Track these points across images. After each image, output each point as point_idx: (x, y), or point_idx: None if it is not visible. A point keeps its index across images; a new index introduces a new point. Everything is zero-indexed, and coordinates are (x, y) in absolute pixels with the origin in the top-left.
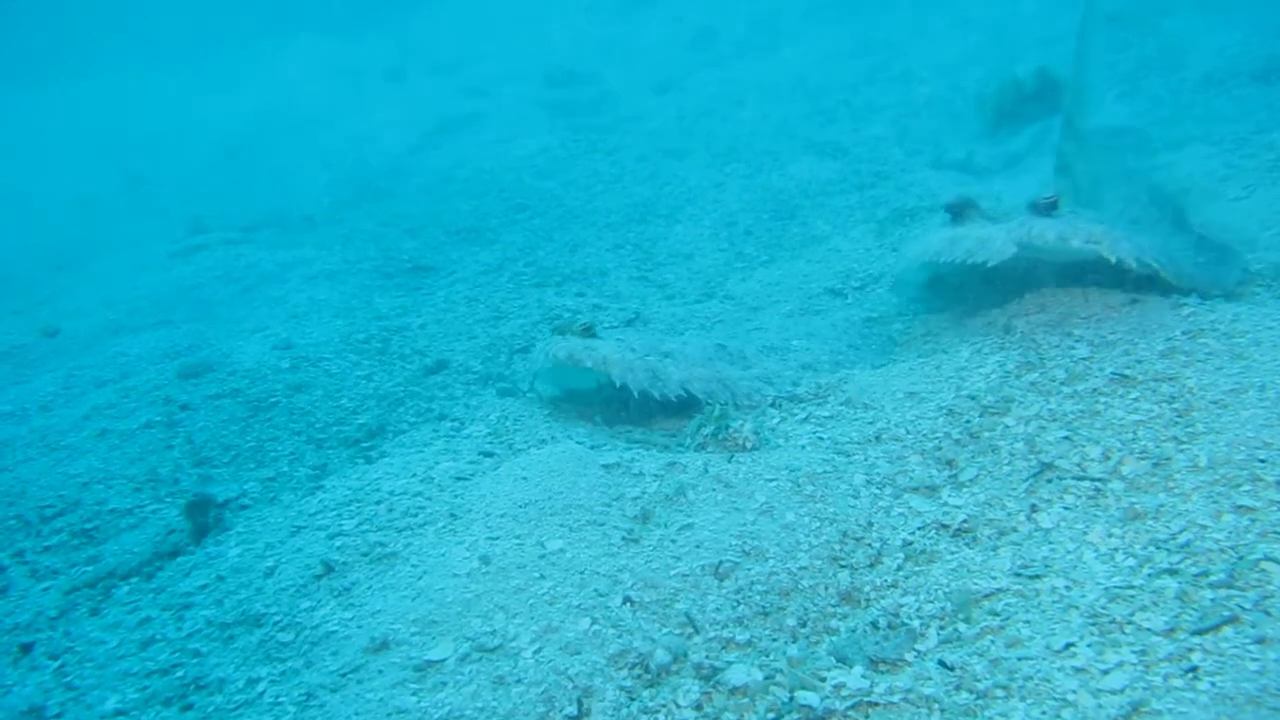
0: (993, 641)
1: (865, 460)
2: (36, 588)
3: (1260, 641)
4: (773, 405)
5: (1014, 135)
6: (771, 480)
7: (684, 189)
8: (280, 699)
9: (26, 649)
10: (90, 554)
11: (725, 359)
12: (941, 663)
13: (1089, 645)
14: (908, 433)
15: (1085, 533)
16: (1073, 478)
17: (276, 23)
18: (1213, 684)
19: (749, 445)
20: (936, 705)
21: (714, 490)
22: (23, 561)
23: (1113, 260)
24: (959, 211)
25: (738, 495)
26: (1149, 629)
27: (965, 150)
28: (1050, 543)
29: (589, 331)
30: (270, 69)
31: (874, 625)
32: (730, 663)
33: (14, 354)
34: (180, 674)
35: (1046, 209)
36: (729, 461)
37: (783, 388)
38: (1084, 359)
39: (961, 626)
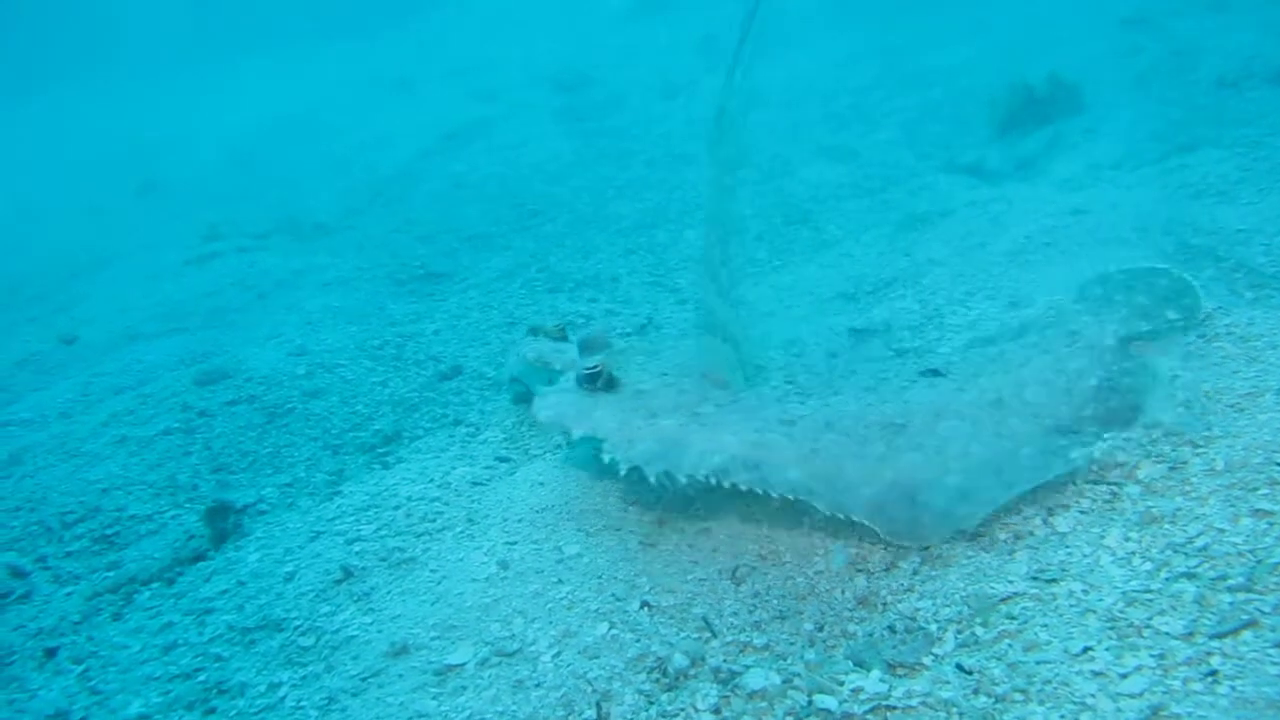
0: (1010, 645)
1: None
2: (59, 593)
3: None
4: None
5: (1025, 138)
6: None
7: (695, 194)
8: (302, 703)
9: (51, 653)
10: (111, 559)
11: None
12: (959, 666)
13: (1107, 649)
14: None
15: (1102, 537)
16: (1088, 481)
17: (286, 29)
18: (1232, 688)
19: None
20: (955, 709)
21: (729, 495)
22: (45, 567)
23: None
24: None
25: (754, 499)
26: (1167, 633)
27: (977, 154)
28: (1067, 546)
29: (561, 333)
30: (280, 75)
31: (891, 629)
32: (748, 667)
33: (33, 361)
34: (203, 678)
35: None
36: None
37: None
38: None
39: (979, 630)
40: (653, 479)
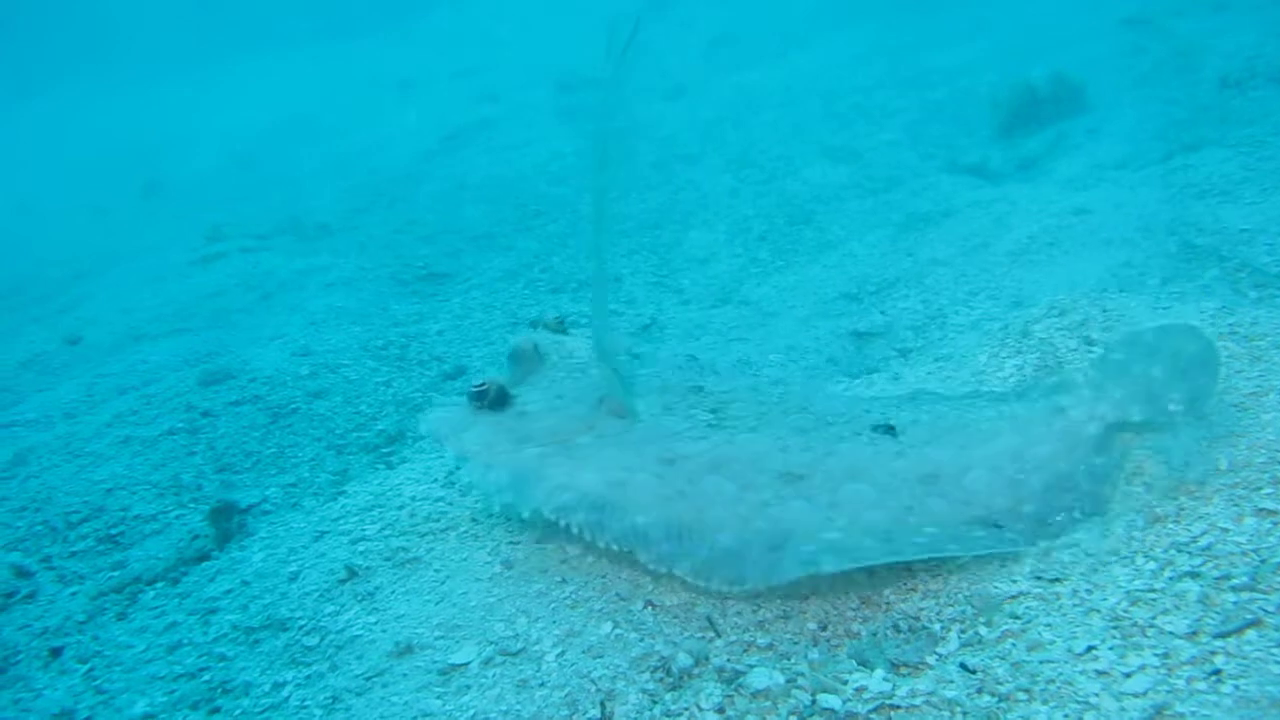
0: (1014, 645)
1: None
2: (64, 592)
3: None
4: None
5: (1028, 139)
6: None
7: (698, 194)
8: (306, 702)
9: (56, 653)
10: (116, 559)
11: (694, 369)
12: (963, 666)
13: (1111, 648)
14: None
15: (1106, 535)
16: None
17: (288, 30)
18: (1236, 687)
19: None
20: (959, 708)
21: None
22: (50, 567)
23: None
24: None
25: None
26: (1171, 632)
27: (980, 154)
28: (1070, 546)
29: (561, 326)
30: (282, 76)
31: (895, 628)
32: (752, 666)
33: (37, 361)
34: (207, 677)
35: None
36: None
37: None
38: None
39: (982, 630)
40: (498, 509)
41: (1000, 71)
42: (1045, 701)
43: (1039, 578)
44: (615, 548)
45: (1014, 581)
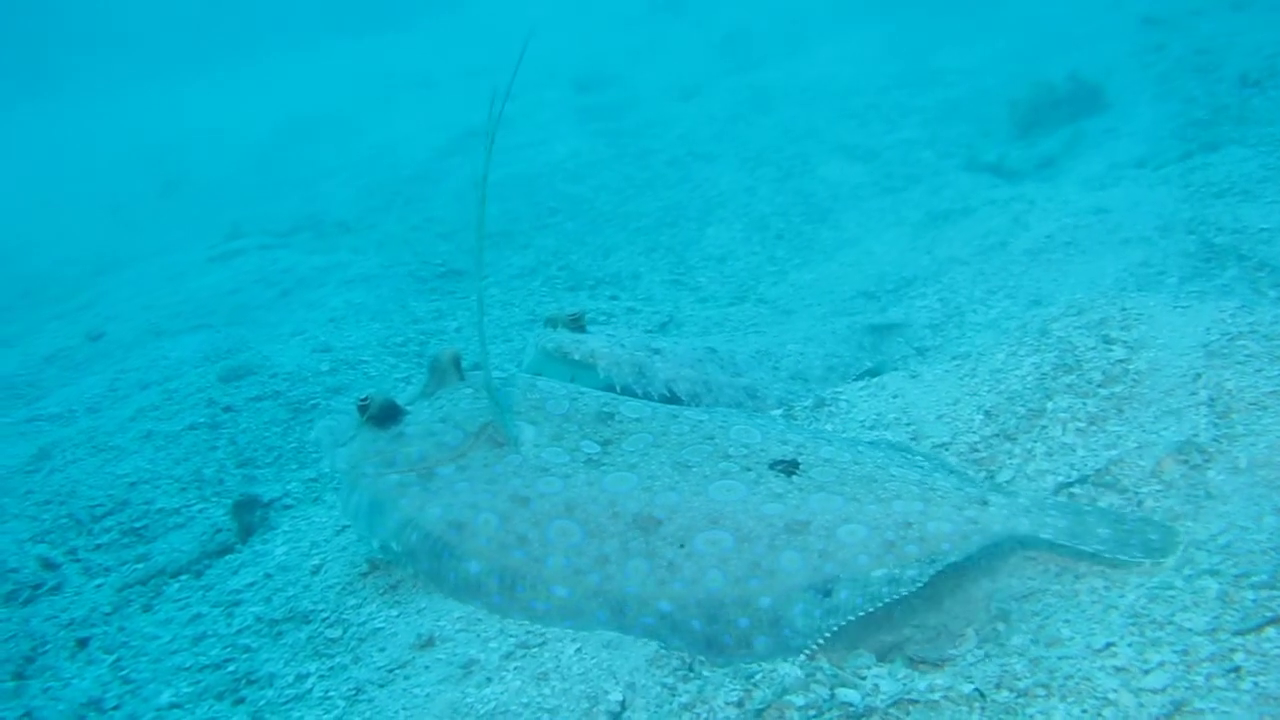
0: (1033, 641)
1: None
2: (90, 584)
3: None
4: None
5: (1047, 137)
6: None
7: (715, 192)
8: (330, 694)
9: (83, 643)
10: (140, 552)
11: (715, 363)
12: (982, 661)
13: (1129, 645)
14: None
15: None
16: (1112, 478)
17: (307, 28)
18: (1255, 684)
19: None
20: (977, 704)
21: None
22: (75, 559)
23: None
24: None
25: None
26: (1190, 629)
27: (997, 153)
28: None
29: (578, 323)
30: (301, 74)
31: (915, 625)
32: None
33: (60, 357)
34: (232, 669)
35: None
36: None
37: (768, 401)
38: (1121, 360)
39: (1000, 626)
40: (357, 537)
41: (1018, 70)
42: (1064, 698)
43: (1058, 574)
44: (454, 599)
45: (1031, 578)
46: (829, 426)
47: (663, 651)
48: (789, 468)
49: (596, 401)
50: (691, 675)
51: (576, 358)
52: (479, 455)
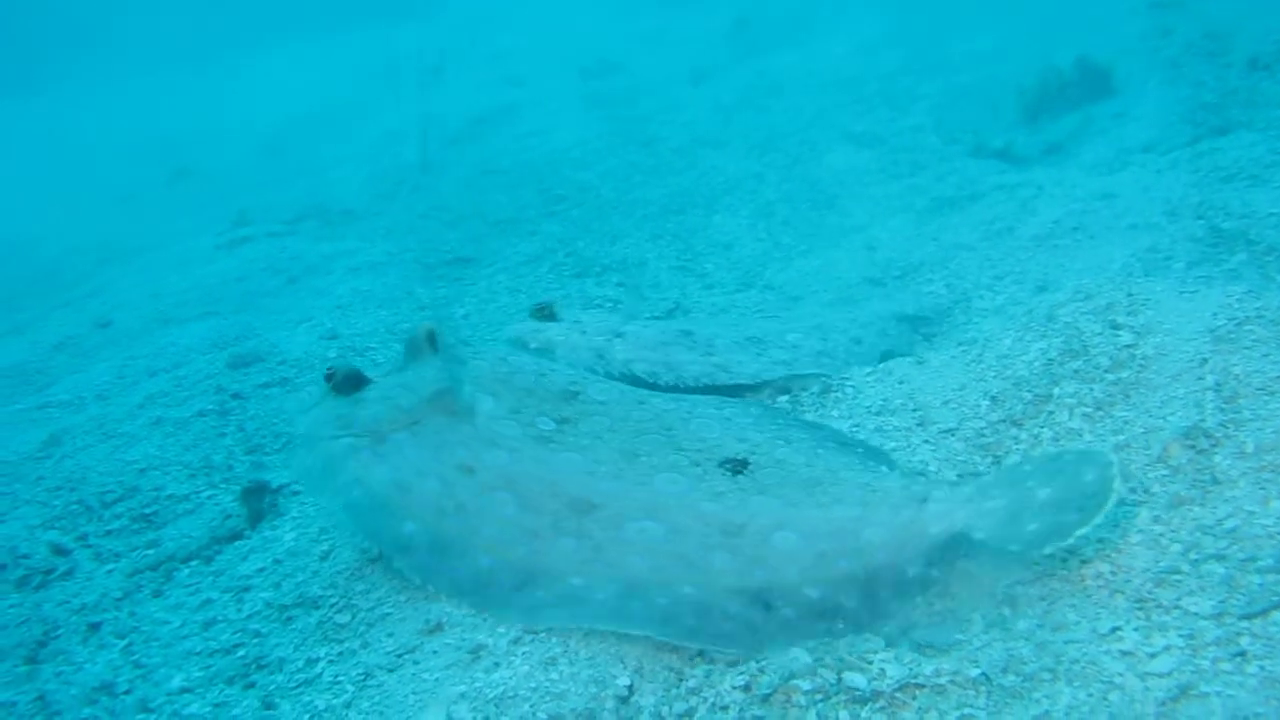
0: (1039, 625)
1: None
2: (101, 570)
3: None
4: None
5: (1054, 123)
6: None
7: (722, 179)
8: (339, 678)
9: (95, 628)
10: (150, 538)
11: (685, 345)
12: (987, 646)
13: (1135, 629)
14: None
15: (1132, 518)
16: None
17: (315, 15)
18: (1261, 668)
19: None
20: (982, 688)
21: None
22: (86, 545)
23: None
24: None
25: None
26: (1196, 613)
27: (1005, 138)
28: (1095, 527)
29: (546, 312)
30: (309, 62)
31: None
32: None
33: (69, 344)
34: (242, 653)
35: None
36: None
37: (741, 377)
38: (1128, 346)
39: (1006, 611)
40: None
41: (1025, 55)
42: (1070, 681)
43: (1064, 559)
44: (389, 557)
45: (1037, 563)
46: (835, 413)
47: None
48: (738, 466)
49: (564, 379)
50: (699, 659)
51: (534, 346)
52: (433, 423)
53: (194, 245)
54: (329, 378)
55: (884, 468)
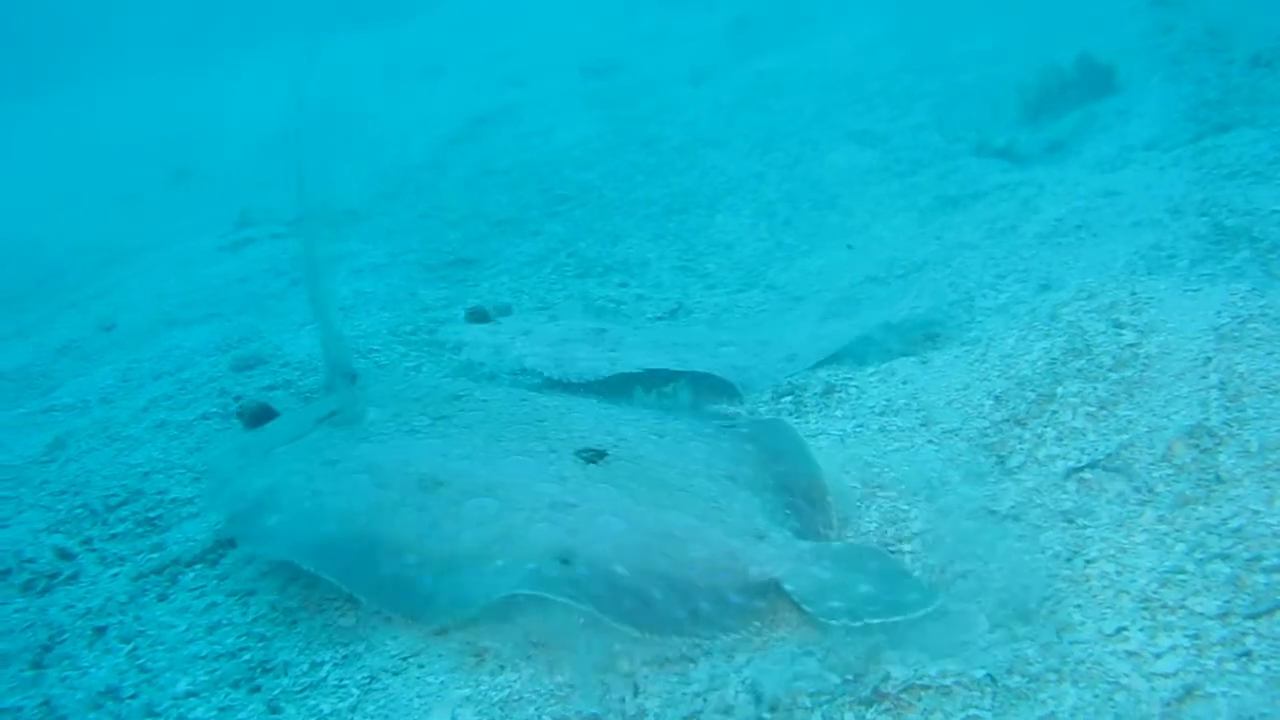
0: (1044, 626)
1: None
2: (105, 574)
3: None
4: None
5: (1057, 121)
6: None
7: (723, 179)
8: (344, 681)
9: (100, 632)
10: (155, 541)
11: (590, 342)
12: (993, 647)
13: (1141, 629)
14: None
15: (1136, 518)
16: (1123, 463)
17: (316, 15)
18: (1267, 668)
19: None
20: (988, 689)
21: None
22: (91, 549)
23: None
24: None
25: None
26: (1201, 613)
27: (1007, 137)
28: (1100, 528)
29: (478, 314)
30: (306, 64)
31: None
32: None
33: (73, 348)
34: (247, 657)
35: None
36: None
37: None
38: (1131, 345)
39: (1011, 612)
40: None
41: (1026, 54)
42: (1075, 682)
43: (1069, 560)
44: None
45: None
46: (839, 413)
47: (673, 644)
48: (594, 456)
49: (456, 388)
50: (701, 658)
51: (449, 346)
52: (316, 435)
53: (196, 246)
54: (240, 414)
55: (748, 494)
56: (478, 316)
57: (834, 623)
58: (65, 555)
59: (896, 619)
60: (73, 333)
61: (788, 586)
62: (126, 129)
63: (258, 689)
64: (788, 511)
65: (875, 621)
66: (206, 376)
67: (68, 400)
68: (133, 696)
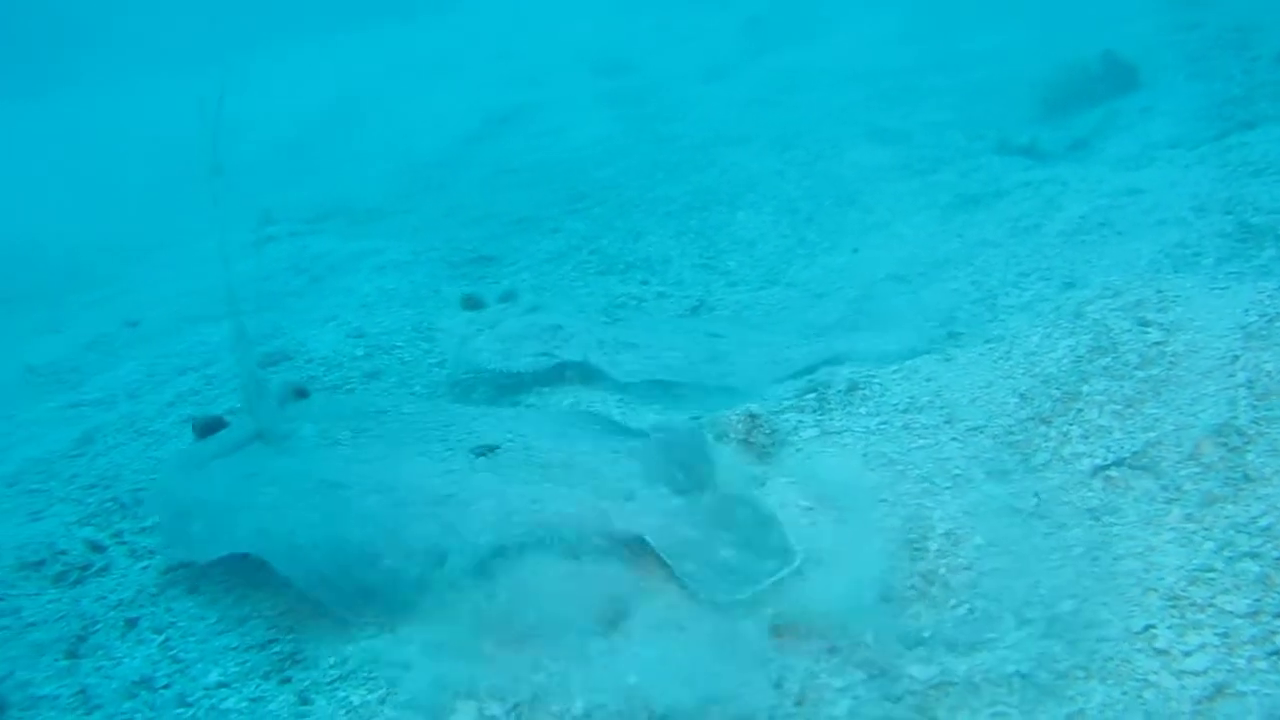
0: (1070, 623)
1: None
2: (136, 566)
3: None
4: None
5: (1079, 118)
6: None
7: (743, 176)
8: (374, 673)
9: (132, 623)
10: None
11: (543, 337)
12: (1019, 644)
13: (1169, 627)
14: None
15: (1164, 516)
16: (1150, 461)
17: (333, 15)
18: None
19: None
20: (1014, 686)
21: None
22: (121, 542)
23: None
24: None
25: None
26: (1231, 611)
27: (1029, 134)
28: (1127, 526)
29: (472, 301)
30: (328, 62)
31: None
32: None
33: (100, 343)
34: (277, 649)
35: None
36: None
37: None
38: (1157, 343)
39: (1036, 609)
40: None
41: (1050, 50)
42: (1103, 679)
43: (1096, 557)
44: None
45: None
46: (863, 410)
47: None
48: (485, 451)
49: (384, 404)
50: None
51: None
52: (248, 450)
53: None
54: (194, 427)
55: (630, 462)
56: (471, 304)
57: (692, 587)
58: (96, 548)
59: (743, 589)
60: (99, 328)
61: (650, 539)
62: (129, 129)
63: (288, 680)
64: (671, 479)
65: (727, 599)
66: (232, 372)
67: (95, 395)
68: (166, 686)
